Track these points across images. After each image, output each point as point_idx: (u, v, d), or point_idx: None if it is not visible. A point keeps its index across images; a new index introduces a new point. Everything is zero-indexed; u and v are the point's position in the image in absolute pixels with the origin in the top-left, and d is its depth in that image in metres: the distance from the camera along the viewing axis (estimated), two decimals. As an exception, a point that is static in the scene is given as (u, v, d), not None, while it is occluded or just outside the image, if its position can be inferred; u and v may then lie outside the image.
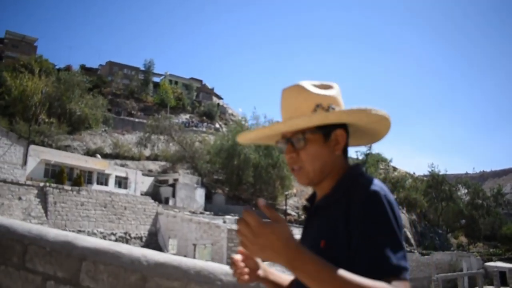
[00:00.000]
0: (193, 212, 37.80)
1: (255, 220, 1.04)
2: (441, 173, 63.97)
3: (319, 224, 1.30)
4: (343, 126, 1.33)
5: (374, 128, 1.36)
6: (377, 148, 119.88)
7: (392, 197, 1.20)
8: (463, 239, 66.07)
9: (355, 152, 64.85)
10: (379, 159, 63.34)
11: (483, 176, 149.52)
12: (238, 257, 1.36)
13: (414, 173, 76.75)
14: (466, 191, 70.51)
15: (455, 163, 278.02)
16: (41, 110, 45.63)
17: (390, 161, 65.78)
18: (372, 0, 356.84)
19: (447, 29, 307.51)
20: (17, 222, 3.31)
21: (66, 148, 43.90)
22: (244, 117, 54.35)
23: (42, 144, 39.83)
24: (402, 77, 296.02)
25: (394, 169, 68.17)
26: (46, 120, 45.44)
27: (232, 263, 1.36)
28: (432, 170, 64.23)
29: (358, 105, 1.29)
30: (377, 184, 1.21)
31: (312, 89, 1.32)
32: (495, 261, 52.01)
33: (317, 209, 1.34)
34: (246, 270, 1.36)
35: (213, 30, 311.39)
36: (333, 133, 1.30)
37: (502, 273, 42.37)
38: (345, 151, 1.36)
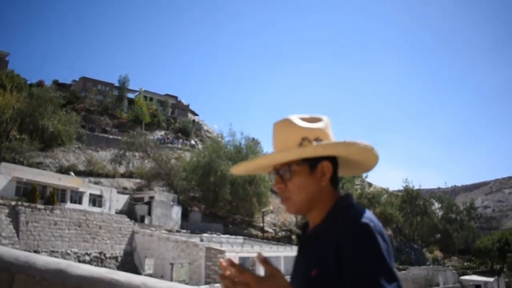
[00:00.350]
0: (170, 231, 37.19)
1: (253, 279, 1.10)
2: (415, 188, 64.93)
3: (311, 253, 1.32)
4: (330, 158, 1.37)
5: (359, 159, 1.41)
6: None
7: (381, 227, 1.23)
8: (438, 254, 67.00)
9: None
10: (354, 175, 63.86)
11: (455, 191, 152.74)
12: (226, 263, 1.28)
13: (388, 189, 77.65)
14: (439, 205, 71.74)
15: (428, 178, 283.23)
16: (12, 126, 44.40)
17: (366, 177, 66.46)
18: (345, 18, 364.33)
19: (416, 43, 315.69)
20: (1, 248, 3.05)
21: (38, 165, 42.71)
22: (220, 133, 54.13)
23: (13, 161, 38.68)
24: (373, 94, 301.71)
25: (370, 184, 68.81)
26: (18, 136, 44.21)
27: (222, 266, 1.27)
28: (406, 186, 65.19)
29: (350, 135, 1.31)
30: (367, 217, 1.24)
31: (299, 122, 1.37)
32: (470, 274, 52.85)
33: (308, 239, 1.37)
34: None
35: (188, 45, 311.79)
36: (319, 164, 1.35)
37: (478, 287, 43.09)
38: (334, 181, 1.39)
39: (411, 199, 63.60)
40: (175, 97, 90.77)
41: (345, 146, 1.33)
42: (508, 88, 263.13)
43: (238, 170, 1.49)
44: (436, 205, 71.99)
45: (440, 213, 69.01)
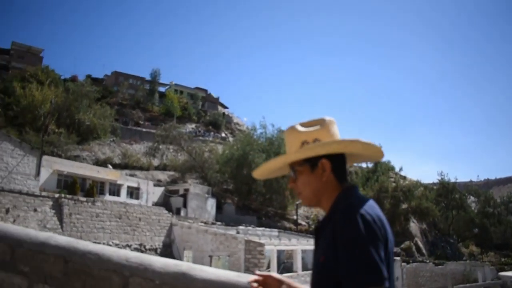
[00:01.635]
0: (205, 223, 37.27)
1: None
2: (451, 181, 63.37)
3: (321, 242, 1.47)
4: (332, 155, 1.53)
5: (361, 153, 1.57)
6: (391, 156, 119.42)
7: (375, 215, 1.35)
8: (473, 249, 65.28)
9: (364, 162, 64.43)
10: (389, 167, 62.82)
11: (488, 184, 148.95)
12: (255, 277, 1.57)
13: (421, 181, 76.02)
14: (475, 199, 69.85)
15: (459, 171, 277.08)
16: (50, 120, 45.25)
17: (401, 169, 65.35)
18: (380, 3, 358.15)
19: (452, 33, 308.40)
20: (108, 249, 2.81)
21: (75, 158, 43.48)
22: (253, 126, 53.86)
23: (52, 154, 39.41)
24: (406, 86, 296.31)
25: (402, 177, 67.48)
26: (56, 130, 45.04)
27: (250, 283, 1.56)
28: (442, 178, 63.63)
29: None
30: (356, 205, 1.36)
31: (299, 128, 1.58)
32: (507, 270, 51.33)
33: (319, 229, 1.53)
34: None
35: (217, 39, 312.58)
36: (319, 162, 1.52)
37: (512, 282, 41.73)
38: (339, 174, 1.54)
39: (446, 192, 62.11)
40: (205, 90, 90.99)
41: (330, 145, 1.49)
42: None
43: (260, 174, 1.68)
44: (472, 198, 70.15)
45: (476, 207, 67.20)
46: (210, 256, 28.58)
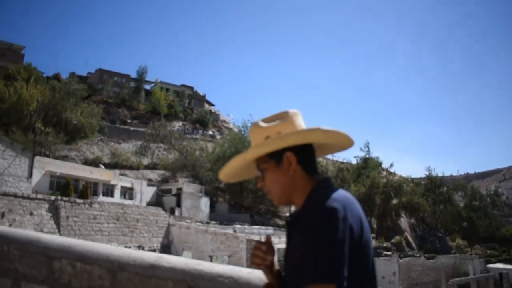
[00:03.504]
0: (201, 222, 36.81)
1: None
2: (438, 176, 64.19)
3: (294, 238, 1.39)
4: (298, 147, 1.44)
5: (327, 142, 1.50)
6: (376, 152, 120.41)
7: (350, 212, 1.27)
8: (460, 242, 66.31)
9: (354, 158, 64.81)
10: (378, 164, 63.24)
11: (468, 178, 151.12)
12: (262, 245, 1.52)
13: (411, 177, 76.83)
14: (461, 193, 70.90)
15: (439, 166, 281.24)
16: (36, 119, 44.03)
17: (391, 165, 65.91)
18: (368, 4, 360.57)
19: (434, 31, 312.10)
20: (239, 269, 2.41)
21: (63, 158, 42.41)
22: (245, 124, 53.54)
23: (40, 154, 38.35)
24: (385, 81, 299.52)
25: (390, 173, 68.08)
26: (43, 129, 43.83)
27: (256, 247, 1.52)
28: (430, 173, 64.38)
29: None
30: (330, 200, 1.29)
31: (261, 124, 1.50)
32: (494, 262, 52.25)
33: (291, 224, 1.45)
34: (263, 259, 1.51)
35: (203, 36, 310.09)
36: (284, 156, 1.43)
37: (500, 274, 42.44)
38: (307, 167, 1.45)
39: (434, 187, 62.85)
40: (191, 88, 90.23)
41: (290, 136, 1.41)
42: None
43: (225, 175, 1.56)
44: (459, 192, 71.20)
45: (463, 201, 68.21)
46: (211, 256, 28.22)
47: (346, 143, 1.51)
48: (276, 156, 1.43)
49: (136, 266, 2.66)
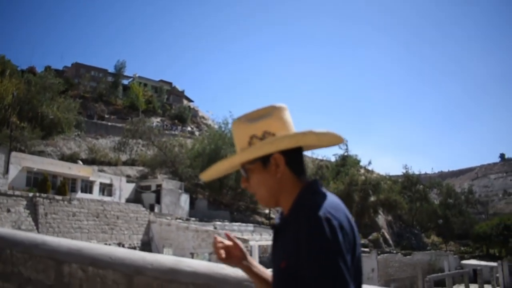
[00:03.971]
0: (180, 219, 36.51)
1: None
2: (415, 174, 65.27)
3: (281, 244, 1.32)
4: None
5: (318, 143, 1.43)
6: (354, 150, 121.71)
7: (340, 217, 1.22)
8: (435, 238, 67.62)
9: (333, 156, 65.34)
10: (356, 161, 63.94)
11: (442, 176, 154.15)
12: (221, 239, 1.49)
13: (388, 174, 77.94)
14: (437, 191, 72.21)
15: (414, 164, 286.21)
16: (11, 114, 42.88)
17: (369, 163, 66.72)
18: (347, 14, 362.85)
19: (409, 30, 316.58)
20: (196, 262, 2.37)
21: (39, 153, 41.42)
22: (225, 120, 53.29)
23: (15, 150, 37.38)
24: (355, 83, 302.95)
25: (368, 171, 68.90)
26: (18, 123, 42.71)
27: (215, 241, 1.48)
28: (406, 171, 65.39)
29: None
30: (325, 207, 1.23)
31: (245, 121, 1.38)
32: (467, 258, 53.56)
33: (279, 229, 1.38)
34: (223, 249, 1.47)
35: (182, 31, 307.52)
36: (271, 158, 1.35)
37: (474, 270, 43.57)
38: (296, 168, 1.38)
39: (411, 184, 63.88)
40: (170, 83, 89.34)
41: (281, 141, 1.32)
42: (493, 75, 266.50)
43: (209, 176, 1.47)
44: (434, 190, 72.48)
45: (438, 198, 69.51)
46: (192, 254, 28.03)
47: (336, 141, 1.45)
48: (262, 157, 1.36)
49: (154, 270, 2.59)
